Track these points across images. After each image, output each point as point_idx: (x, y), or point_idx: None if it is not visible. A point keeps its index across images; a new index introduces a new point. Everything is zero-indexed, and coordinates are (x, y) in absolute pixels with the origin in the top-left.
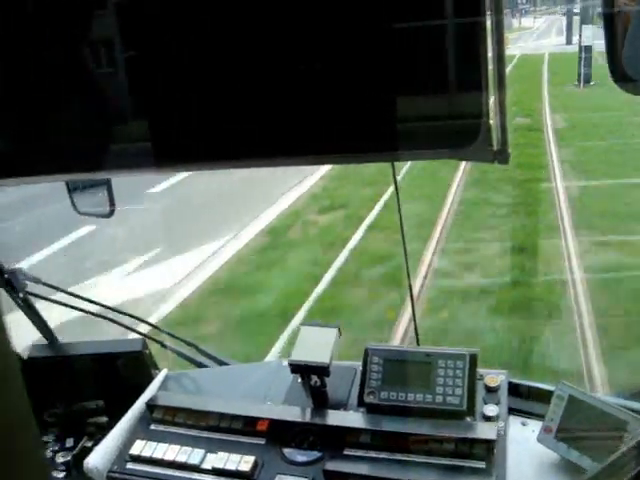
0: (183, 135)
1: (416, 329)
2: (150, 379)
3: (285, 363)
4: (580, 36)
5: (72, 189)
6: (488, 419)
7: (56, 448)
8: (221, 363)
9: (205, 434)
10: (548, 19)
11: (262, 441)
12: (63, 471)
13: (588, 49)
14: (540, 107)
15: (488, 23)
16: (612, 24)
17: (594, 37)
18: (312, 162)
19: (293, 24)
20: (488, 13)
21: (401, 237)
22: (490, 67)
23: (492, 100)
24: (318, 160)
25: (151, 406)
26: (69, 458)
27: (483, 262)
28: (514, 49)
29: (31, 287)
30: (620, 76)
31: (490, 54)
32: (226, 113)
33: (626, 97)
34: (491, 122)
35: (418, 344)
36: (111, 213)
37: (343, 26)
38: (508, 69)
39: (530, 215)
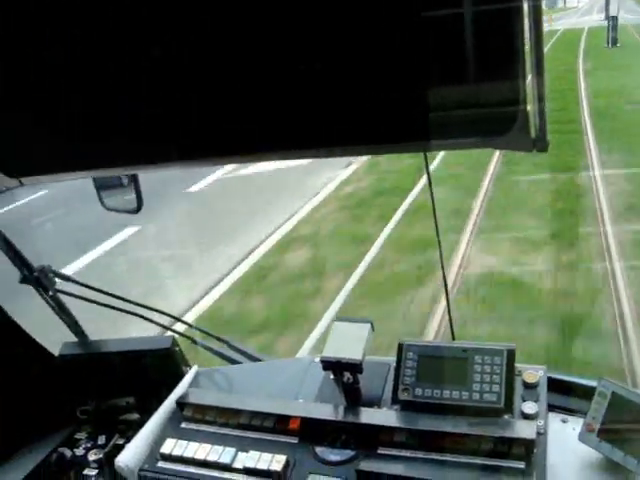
0: (204, 130)
1: (451, 323)
2: (181, 376)
3: (317, 359)
4: (607, 9)
5: (99, 186)
6: (527, 417)
7: (88, 445)
8: (253, 359)
9: (236, 432)
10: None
11: (294, 440)
12: (95, 469)
13: (614, 18)
14: (575, 60)
15: (525, 7)
16: None
17: (620, 10)
18: (345, 153)
19: (322, 11)
20: None
21: (435, 228)
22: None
23: (530, 86)
24: (352, 151)
25: (181, 404)
26: (101, 456)
27: None
28: (558, 25)
29: (61, 285)
30: None
31: (527, 38)
32: (259, 104)
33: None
34: (529, 109)
35: (453, 338)
36: (138, 209)
37: (374, 14)
38: (553, 40)
39: None
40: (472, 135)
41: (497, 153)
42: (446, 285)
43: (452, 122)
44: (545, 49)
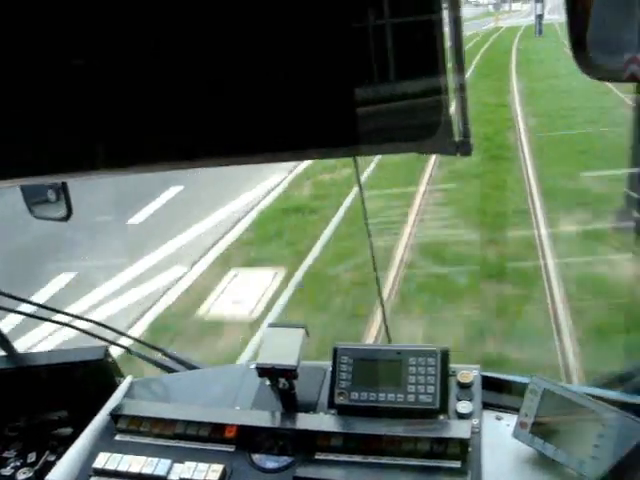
0: (132, 137)
1: (386, 326)
2: (115, 387)
3: (253, 366)
4: (535, 9)
5: (28, 194)
6: (462, 416)
7: (17, 464)
8: (190, 367)
9: (172, 443)
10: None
11: (231, 448)
12: None
13: (540, 16)
14: (513, 42)
15: (446, 16)
16: (574, 7)
17: (548, 11)
18: (272, 159)
19: (248, 20)
20: (445, 6)
21: (367, 233)
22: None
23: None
24: (278, 157)
25: (115, 416)
26: (31, 474)
27: None
28: (504, 24)
29: None
30: (581, 60)
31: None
32: (181, 111)
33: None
34: (452, 113)
35: (389, 341)
36: (67, 217)
37: (301, 20)
38: (500, 32)
39: None
40: (398, 140)
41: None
42: (380, 289)
43: (378, 127)
44: (493, 38)
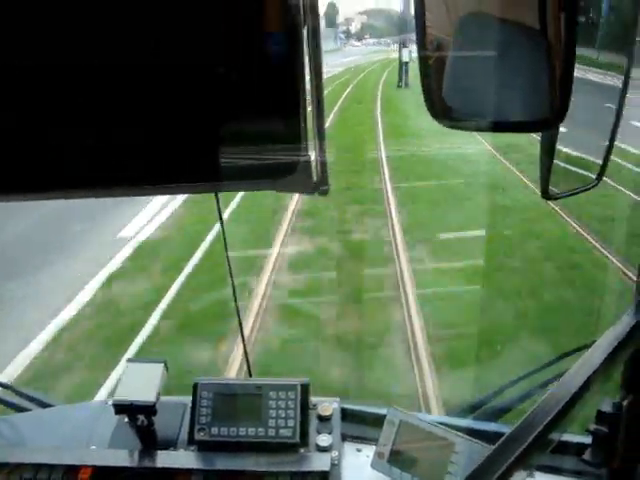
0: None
1: (247, 360)
2: None
3: (111, 402)
4: (400, 56)
5: None
6: (322, 449)
7: None
8: (42, 405)
9: None
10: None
11: None
12: None
13: (406, 64)
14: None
15: (307, 62)
16: (426, 64)
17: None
18: (133, 193)
19: (118, 63)
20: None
21: (228, 268)
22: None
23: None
24: (140, 191)
25: None
26: None
27: None
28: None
29: None
30: (438, 112)
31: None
32: (39, 142)
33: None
34: (311, 154)
35: (250, 375)
36: None
37: (167, 62)
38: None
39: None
40: (258, 177)
41: None
42: (240, 323)
43: (240, 165)
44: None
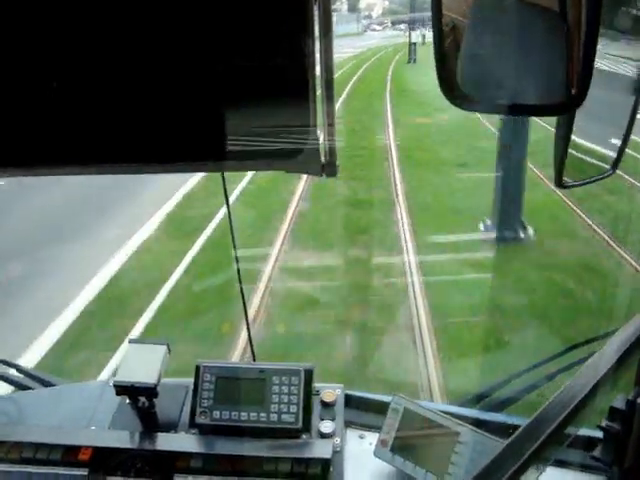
0: None
1: (251, 344)
2: None
3: (112, 383)
4: (409, 38)
5: None
6: (324, 436)
7: None
8: (45, 384)
9: (18, 468)
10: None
11: (84, 472)
12: None
13: (414, 44)
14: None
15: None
16: (441, 47)
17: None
18: (141, 170)
19: (123, 39)
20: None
21: (233, 248)
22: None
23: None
24: (149, 168)
25: None
26: None
27: None
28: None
29: None
30: (454, 94)
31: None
32: (46, 119)
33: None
34: (319, 135)
35: (254, 359)
36: None
37: (181, 52)
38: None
39: None
40: (266, 157)
41: None
42: (245, 305)
43: (248, 145)
44: None
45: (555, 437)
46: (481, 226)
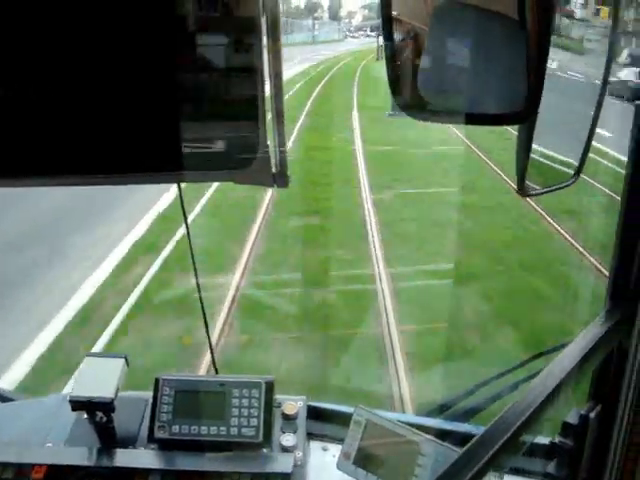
0: None
1: (213, 356)
2: None
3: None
4: (377, 40)
5: None
6: (285, 449)
7: None
8: (3, 399)
9: None
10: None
11: None
12: None
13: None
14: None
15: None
16: (393, 56)
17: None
18: (92, 182)
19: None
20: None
21: (192, 262)
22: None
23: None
24: (100, 180)
25: None
26: None
27: None
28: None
29: None
30: (408, 105)
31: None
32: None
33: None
34: (269, 145)
35: (216, 372)
36: None
37: (129, 56)
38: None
39: None
40: (217, 168)
41: None
42: (205, 317)
43: (200, 156)
44: None
45: (511, 445)
46: None
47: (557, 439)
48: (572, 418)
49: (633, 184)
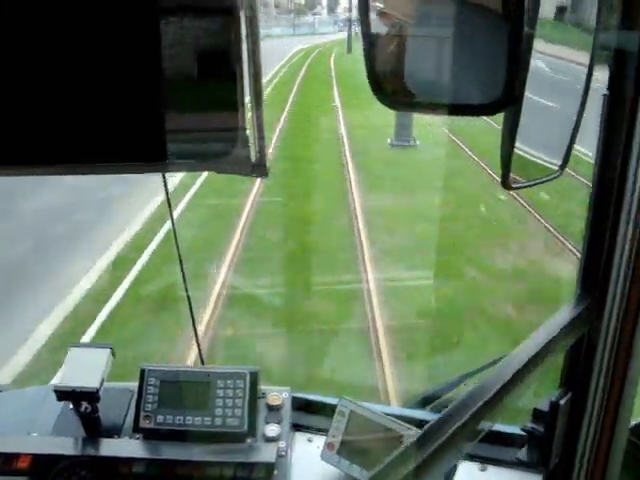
0: None
1: (199, 347)
2: None
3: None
4: (349, 33)
5: None
6: (269, 440)
7: None
8: None
9: None
10: None
11: None
12: None
13: (349, 36)
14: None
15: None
16: (371, 46)
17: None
18: (72, 172)
19: (55, 36)
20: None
21: (177, 255)
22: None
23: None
24: (77, 169)
25: None
26: None
27: None
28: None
29: None
30: (386, 96)
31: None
32: None
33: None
34: (248, 134)
35: (202, 362)
36: None
37: (109, 47)
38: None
39: None
40: (196, 158)
41: None
42: (191, 307)
43: (178, 146)
44: None
45: (466, 430)
46: None
47: (528, 425)
48: (543, 405)
49: (601, 173)
